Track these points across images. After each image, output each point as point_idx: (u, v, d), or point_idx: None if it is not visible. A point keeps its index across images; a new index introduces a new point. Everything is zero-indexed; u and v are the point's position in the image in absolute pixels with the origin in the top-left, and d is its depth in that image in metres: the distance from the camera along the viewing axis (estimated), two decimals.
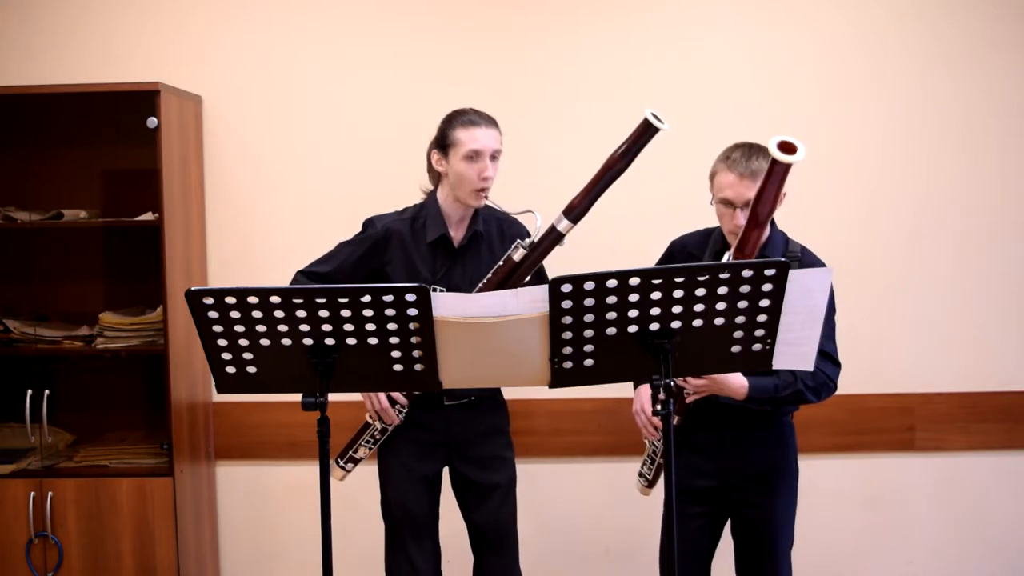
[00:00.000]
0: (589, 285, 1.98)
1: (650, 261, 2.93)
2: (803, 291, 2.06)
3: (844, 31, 3.57)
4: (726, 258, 2.44)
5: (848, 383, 3.58)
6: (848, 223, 3.58)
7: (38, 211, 3.51)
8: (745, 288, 2.01)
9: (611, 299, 2.00)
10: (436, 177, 2.87)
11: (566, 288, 1.98)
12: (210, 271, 3.65)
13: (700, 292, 2.01)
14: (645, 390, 2.72)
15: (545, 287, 1.99)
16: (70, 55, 3.64)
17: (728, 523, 2.80)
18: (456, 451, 2.90)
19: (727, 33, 3.58)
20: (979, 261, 3.59)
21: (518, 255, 2.66)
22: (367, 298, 2.03)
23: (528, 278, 2.70)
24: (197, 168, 3.60)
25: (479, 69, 3.59)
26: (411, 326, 2.05)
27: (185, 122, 3.50)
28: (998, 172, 3.58)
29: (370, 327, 2.06)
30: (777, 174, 2.29)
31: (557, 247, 2.66)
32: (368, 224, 2.89)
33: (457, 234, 2.86)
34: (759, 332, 2.08)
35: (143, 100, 3.31)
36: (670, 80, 3.58)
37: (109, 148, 3.66)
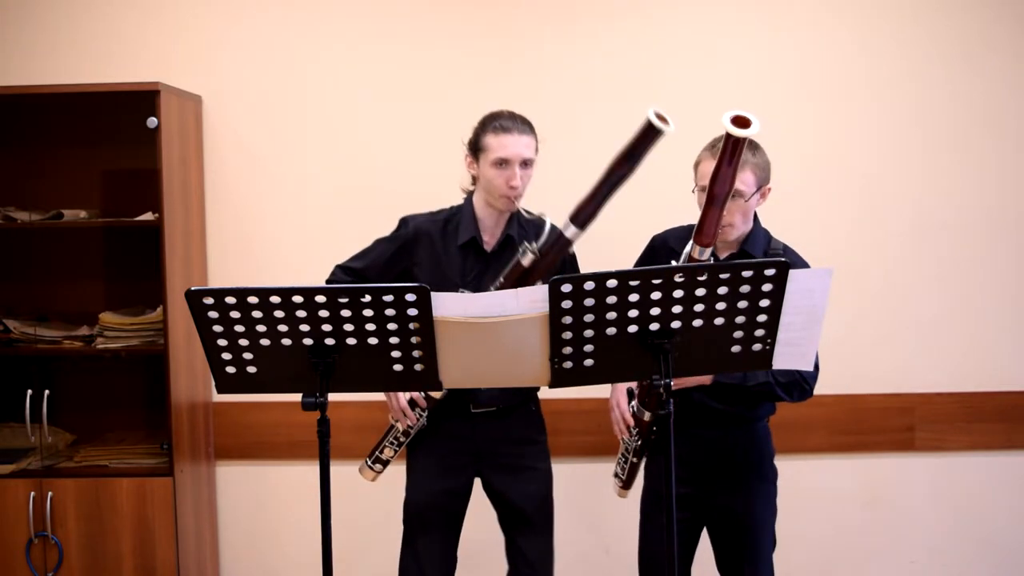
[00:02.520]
0: (589, 285, 1.98)
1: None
2: (803, 291, 2.06)
3: (841, 32, 3.57)
4: (690, 244, 2.38)
5: (848, 383, 3.60)
6: (848, 223, 3.58)
7: (38, 211, 3.51)
8: (745, 288, 2.01)
9: (611, 299, 2.00)
10: (474, 178, 2.84)
11: (566, 288, 1.98)
12: (210, 271, 3.65)
13: (700, 292, 2.01)
14: (621, 387, 2.69)
15: (545, 287, 1.99)
16: (70, 55, 3.64)
17: (706, 529, 2.76)
18: (485, 460, 2.87)
19: (725, 34, 3.58)
20: (979, 261, 3.59)
21: (527, 260, 2.61)
22: (367, 298, 2.03)
23: (541, 283, 2.66)
24: (197, 168, 3.60)
25: (480, 69, 3.59)
26: (411, 326, 2.05)
27: (185, 122, 3.50)
28: (997, 172, 3.58)
29: (370, 327, 2.06)
30: (731, 149, 2.21)
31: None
32: (402, 223, 2.89)
33: (490, 239, 2.83)
34: (759, 332, 2.08)
35: (143, 100, 3.31)
36: (670, 80, 3.57)
37: (109, 148, 3.66)
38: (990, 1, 3.55)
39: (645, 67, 3.58)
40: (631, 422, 2.65)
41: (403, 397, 2.77)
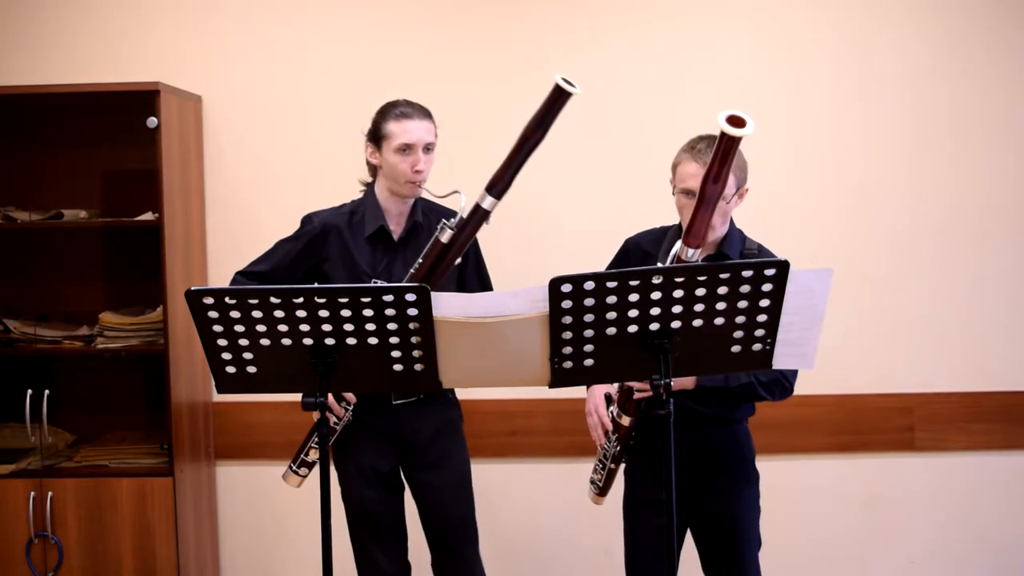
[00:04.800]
0: (589, 285, 1.98)
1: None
2: (803, 291, 2.06)
3: (839, 34, 3.56)
4: (678, 245, 2.36)
5: (848, 383, 3.60)
6: (847, 223, 3.58)
7: (38, 211, 3.51)
8: (745, 288, 2.01)
9: (611, 299, 2.00)
10: (374, 170, 2.87)
11: (566, 288, 1.98)
12: (210, 271, 3.65)
13: (700, 292, 2.01)
14: (599, 391, 2.66)
15: (545, 287, 1.99)
16: (70, 55, 3.64)
17: (689, 532, 2.72)
18: (408, 452, 2.87)
19: (719, 32, 3.58)
20: (979, 261, 3.59)
21: (446, 236, 2.62)
22: (367, 298, 2.03)
23: (459, 260, 2.67)
24: (197, 168, 3.60)
25: (482, 69, 3.60)
26: (411, 326, 2.05)
27: (185, 122, 3.50)
28: (997, 172, 3.58)
29: (370, 327, 2.06)
30: (725, 149, 2.18)
31: (484, 225, 2.62)
32: (306, 220, 2.89)
33: (396, 227, 2.85)
34: (759, 332, 2.08)
35: (143, 100, 3.31)
36: (665, 81, 3.58)
37: (109, 148, 3.66)
38: (985, 3, 3.55)
39: (641, 68, 3.58)
40: (610, 427, 2.61)
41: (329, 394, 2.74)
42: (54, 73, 3.60)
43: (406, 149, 2.75)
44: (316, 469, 2.78)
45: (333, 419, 2.77)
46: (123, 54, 3.63)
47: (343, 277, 2.80)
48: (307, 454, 2.81)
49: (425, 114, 2.80)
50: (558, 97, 2.44)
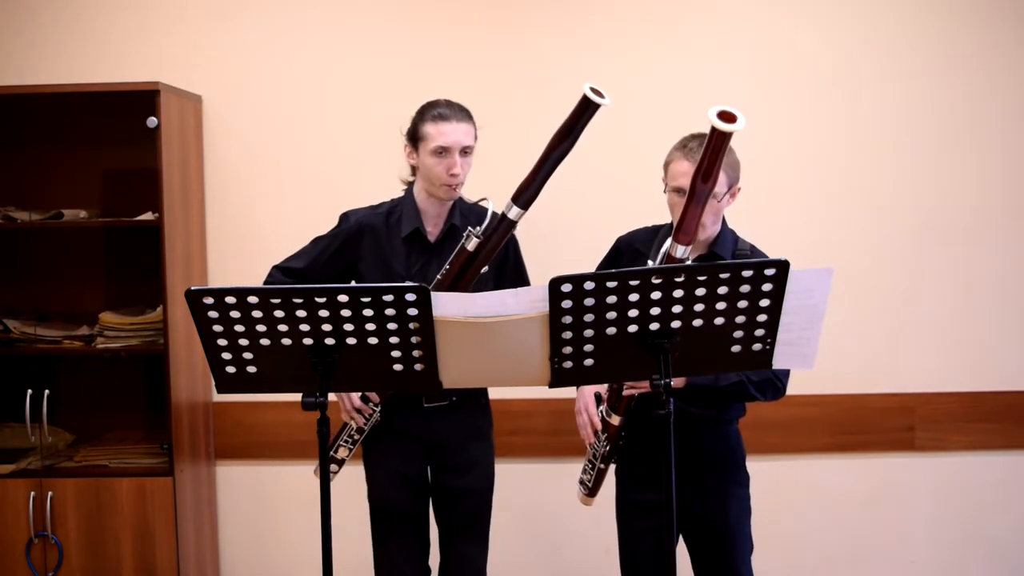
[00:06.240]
0: (589, 285, 1.98)
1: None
2: (803, 291, 2.06)
3: (848, 30, 3.56)
4: (668, 242, 2.35)
5: (848, 383, 3.60)
6: (848, 223, 3.58)
7: (38, 211, 3.51)
8: (745, 288, 2.01)
9: (611, 299, 2.00)
10: (414, 169, 2.85)
11: (566, 288, 1.98)
12: (210, 271, 3.65)
13: (700, 292, 2.01)
14: (588, 390, 2.64)
15: (545, 287, 1.99)
16: (70, 55, 3.64)
17: (682, 536, 2.69)
18: (436, 455, 2.86)
19: (719, 32, 3.57)
20: (979, 261, 3.59)
21: (471, 245, 2.62)
22: (367, 298, 2.03)
23: (486, 268, 2.66)
24: (197, 168, 3.60)
25: (481, 66, 3.59)
26: (411, 326, 2.05)
27: (185, 122, 3.50)
28: (999, 172, 3.58)
29: (370, 327, 2.06)
30: (716, 144, 2.16)
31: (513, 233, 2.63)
32: (343, 218, 2.88)
33: (433, 229, 2.83)
34: (759, 332, 2.08)
35: (143, 100, 3.31)
36: (662, 76, 3.58)
37: (109, 148, 3.66)
38: (987, 4, 3.55)
39: (634, 63, 3.58)
40: (599, 427, 2.60)
41: (355, 395, 2.74)
42: (54, 73, 3.60)
43: (442, 152, 2.71)
44: (345, 467, 2.86)
45: (361, 420, 2.77)
46: (123, 54, 3.63)
47: (376, 278, 2.77)
48: (336, 452, 2.82)
49: (464, 116, 2.75)
50: (586, 108, 2.42)
